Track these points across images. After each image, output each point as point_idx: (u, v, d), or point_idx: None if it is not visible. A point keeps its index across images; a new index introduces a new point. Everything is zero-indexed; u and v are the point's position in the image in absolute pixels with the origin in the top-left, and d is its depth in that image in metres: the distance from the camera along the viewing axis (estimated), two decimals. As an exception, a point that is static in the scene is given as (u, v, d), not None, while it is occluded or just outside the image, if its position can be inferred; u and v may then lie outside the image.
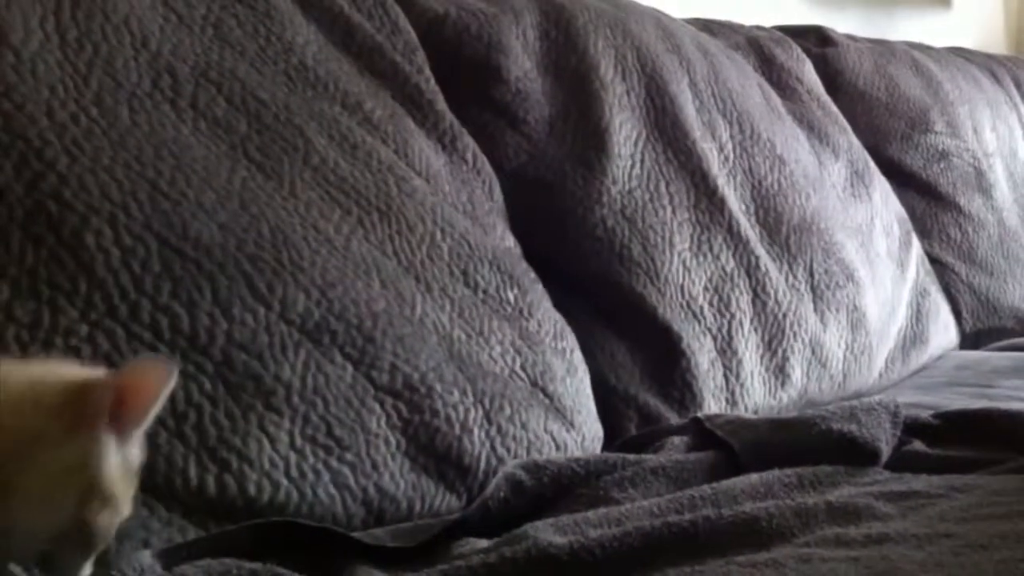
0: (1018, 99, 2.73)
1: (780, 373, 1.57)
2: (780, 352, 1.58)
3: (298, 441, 0.99)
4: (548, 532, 0.93)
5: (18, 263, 0.92)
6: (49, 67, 1.03)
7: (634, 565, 0.87)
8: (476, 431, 1.12)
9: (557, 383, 1.25)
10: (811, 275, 1.70)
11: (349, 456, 1.02)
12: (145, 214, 0.99)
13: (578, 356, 1.33)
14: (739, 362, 1.51)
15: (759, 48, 2.10)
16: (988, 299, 2.21)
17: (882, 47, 2.50)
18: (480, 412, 1.13)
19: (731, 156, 1.72)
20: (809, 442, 1.17)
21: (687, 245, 1.54)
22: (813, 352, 1.63)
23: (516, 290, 1.27)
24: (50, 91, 1.01)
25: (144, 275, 0.97)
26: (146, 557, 0.85)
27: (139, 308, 0.96)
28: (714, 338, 1.50)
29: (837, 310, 1.71)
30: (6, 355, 0.88)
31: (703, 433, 1.25)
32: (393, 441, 1.06)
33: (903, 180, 2.23)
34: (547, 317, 1.30)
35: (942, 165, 2.32)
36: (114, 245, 0.96)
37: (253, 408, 0.98)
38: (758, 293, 1.59)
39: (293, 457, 0.98)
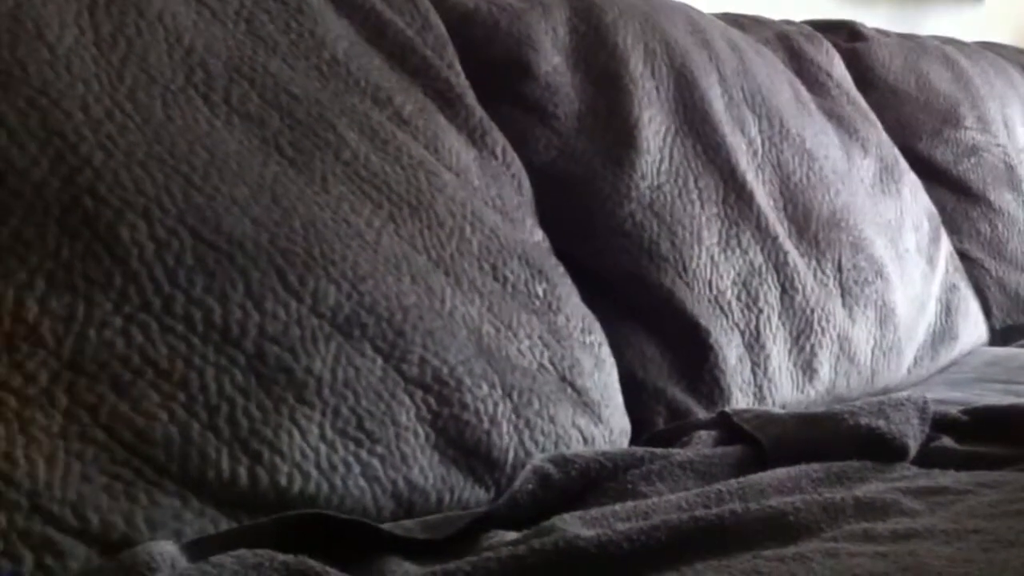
0: (1050, 94, 2.71)
1: (808, 369, 1.57)
2: (808, 347, 1.58)
3: (329, 433, 1.00)
4: (576, 525, 0.93)
5: (54, 257, 0.93)
6: (84, 62, 1.04)
7: (661, 558, 0.87)
8: (504, 425, 1.13)
9: (585, 377, 1.25)
10: (840, 271, 1.70)
11: (379, 449, 1.03)
12: (179, 208, 1.00)
13: (606, 351, 1.33)
14: (767, 357, 1.51)
15: (788, 43, 2.10)
16: (1018, 295, 2.20)
17: (912, 42, 2.49)
18: (509, 406, 1.14)
19: (760, 151, 1.72)
20: (837, 437, 1.17)
21: (715, 240, 1.54)
22: (841, 348, 1.63)
23: (545, 284, 1.28)
24: (85, 86, 1.02)
25: (178, 268, 0.98)
26: (167, 547, 0.86)
27: (173, 301, 0.97)
28: (742, 333, 1.50)
29: (866, 306, 1.71)
30: (40, 349, 0.89)
31: (730, 428, 1.25)
32: (422, 434, 1.07)
33: (933, 175, 2.22)
34: (575, 312, 1.31)
35: (972, 160, 2.32)
36: (148, 239, 0.97)
37: (284, 401, 0.99)
38: (786, 288, 1.59)
39: (324, 449, 0.99)
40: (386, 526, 0.98)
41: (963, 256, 2.16)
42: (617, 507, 0.99)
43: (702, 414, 1.40)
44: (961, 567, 0.80)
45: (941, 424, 1.26)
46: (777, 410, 1.41)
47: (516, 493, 1.05)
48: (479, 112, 1.38)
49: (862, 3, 2.80)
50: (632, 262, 1.46)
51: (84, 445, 0.89)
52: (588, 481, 1.09)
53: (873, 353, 1.69)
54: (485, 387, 1.13)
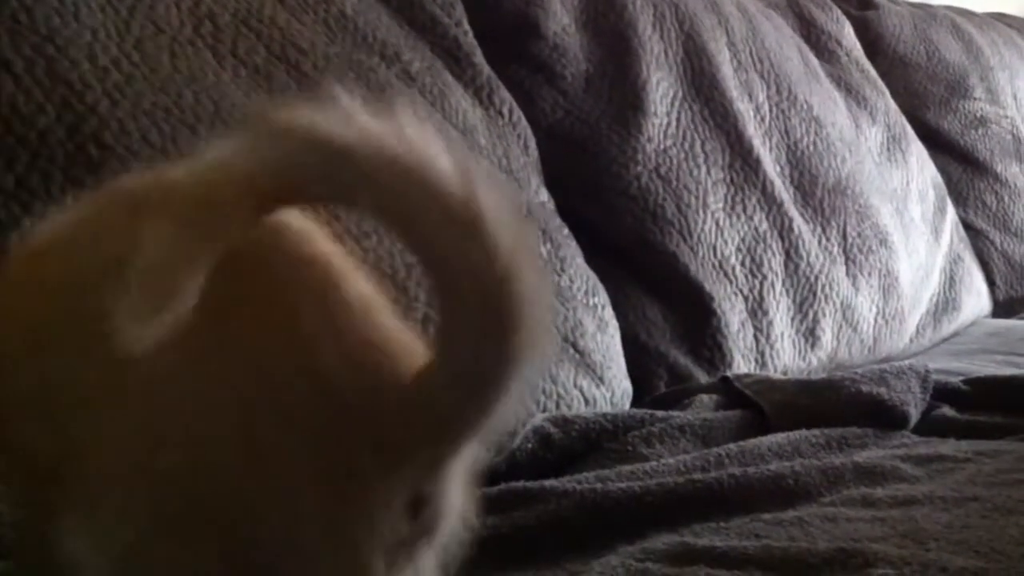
0: (1060, 67, 2.70)
1: (810, 335, 1.57)
2: (811, 314, 1.58)
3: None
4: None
5: (58, 205, 0.93)
6: (91, 11, 1.03)
7: (660, 520, 0.88)
8: (506, 384, 1.13)
9: (588, 339, 1.25)
10: (844, 238, 1.70)
11: (381, 404, 1.03)
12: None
13: (609, 313, 1.33)
14: (770, 323, 1.51)
15: (798, 9, 2.09)
16: (1022, 267, 2.20)
17: (922, 11, 2.48)
18: (511, 365, 1.14)
19: (767, 117, 1.71)
20: (838, 404, 1.17)
21: (721, 205, 1.54)
22: (844, 315, 1.63)
23: (549, 245, 1.28)
24: (92, 35, 1.02)
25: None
26: None
27: (177, 253, 0.96)
28: (745, 299, 1.50)
29: (869, 274, 1.71)
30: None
31: (732, 392, 1.25)
32: (424, 391, 1.06)
33: (940, 145, 2.22)
34: (579, 273, 1.31)
35: (980, 131, 2.31)
36: (153, 189, 0.97)
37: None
38: (791, 255, 1.59)
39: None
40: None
41: (968, 227, 2.16)
42: (615, 470, 0.99)
43: (704, 378, 1.40)
44: (959, 533, 0.80)
45: (942, 393, 1.26)
46: (778, 376, 1.41)
47: (516, 452, 1.05)
48: (486, 71, 1.38)
49: (873, -29, 2.78)
50: (637, 225, 1.46)
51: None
52: (588, 442, 1.09)
53: (876, 321, 1.69)
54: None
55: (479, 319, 0.48)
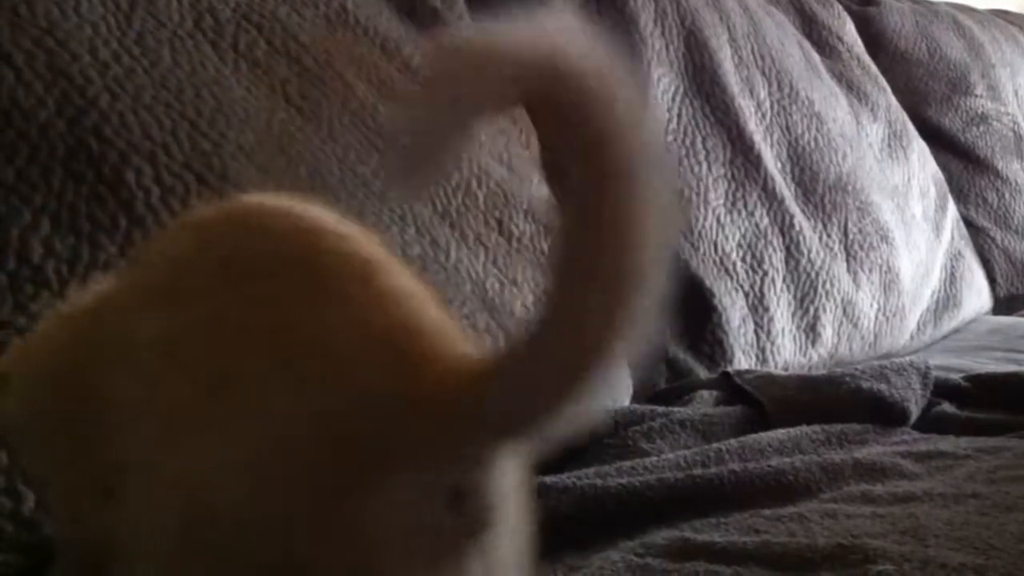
0: (1061, 64, 2.70)
1: (811, 332, 1.57)
2: (812, 311, 1.58)
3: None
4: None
5: (58, 198, 0.93)
6: (92, 5, 1.03)
7: (660, 516, 0.88)
8: (507, 379, 1.13)
9: (588, 334, 1.25)
10: (845, 235, 1.69)
11: (381, 399, 1.03)
12: (185, 153, 1.00)
13: (610, 308, 1.33)
14: (770, 319, 1.51)
15: (800, 5, 2.09)
16: (1023, 264, 2.20)
17: (924, 7, 2.48)
18: (511, 360, 1.14)
19: (768, 113, 1.71)
20: (838, 400, 1.17)
21: (722, 201, 1.54)
22: (845, 312, 1.63)
23: (550, 240, 1.28)
24: (93, 29, 1.02)
25: (183, 214, 0.97)
26: None
27: (177, 246, 0.96)
28: (746, 295, 1.50)
29: (870, 270, 1.71)
30: (45, 290, 0.89)
31: (732, 388, 1.25)
32: (424, 386, 1.06)
33: (941, 142, 2.22)
34: (580, 268, 1.30)
35: (981, 128, 2.31)
36: (154, 183, 0.97)
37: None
38: (791, 251, 1.59)
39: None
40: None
41: (969, 224, 2.16)
42: (615, 466, 0.99)
43: (704, 374, 1.40)
44: (959, 530, 0.80)
45: (942, 390, 1.26)
46: (779, 372, 1.41)
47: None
48: (488, 66, 1.37)
49: (875, -33, 2.78)
50: (637, 220, 1.46)
51: (86, 388, 0.89)
52: (589, 437, 1.09)
53: (877, 318, 1.69)
54: (489, 341, 1.12)
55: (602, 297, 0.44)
